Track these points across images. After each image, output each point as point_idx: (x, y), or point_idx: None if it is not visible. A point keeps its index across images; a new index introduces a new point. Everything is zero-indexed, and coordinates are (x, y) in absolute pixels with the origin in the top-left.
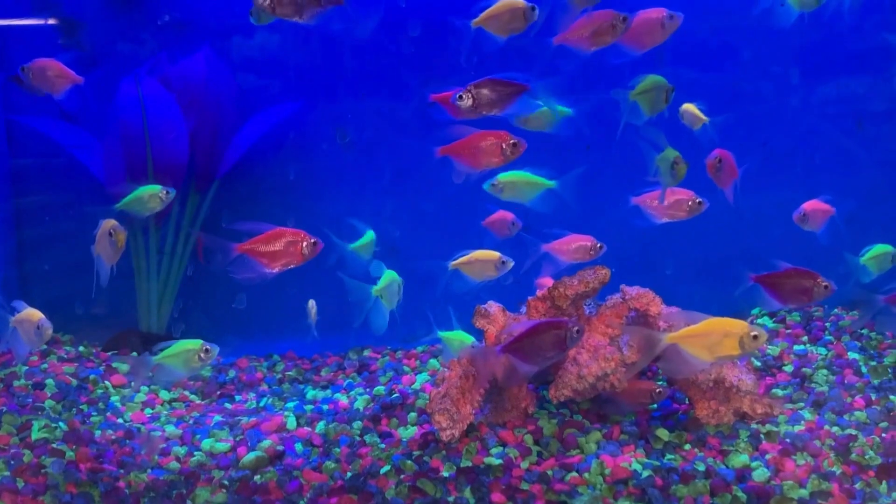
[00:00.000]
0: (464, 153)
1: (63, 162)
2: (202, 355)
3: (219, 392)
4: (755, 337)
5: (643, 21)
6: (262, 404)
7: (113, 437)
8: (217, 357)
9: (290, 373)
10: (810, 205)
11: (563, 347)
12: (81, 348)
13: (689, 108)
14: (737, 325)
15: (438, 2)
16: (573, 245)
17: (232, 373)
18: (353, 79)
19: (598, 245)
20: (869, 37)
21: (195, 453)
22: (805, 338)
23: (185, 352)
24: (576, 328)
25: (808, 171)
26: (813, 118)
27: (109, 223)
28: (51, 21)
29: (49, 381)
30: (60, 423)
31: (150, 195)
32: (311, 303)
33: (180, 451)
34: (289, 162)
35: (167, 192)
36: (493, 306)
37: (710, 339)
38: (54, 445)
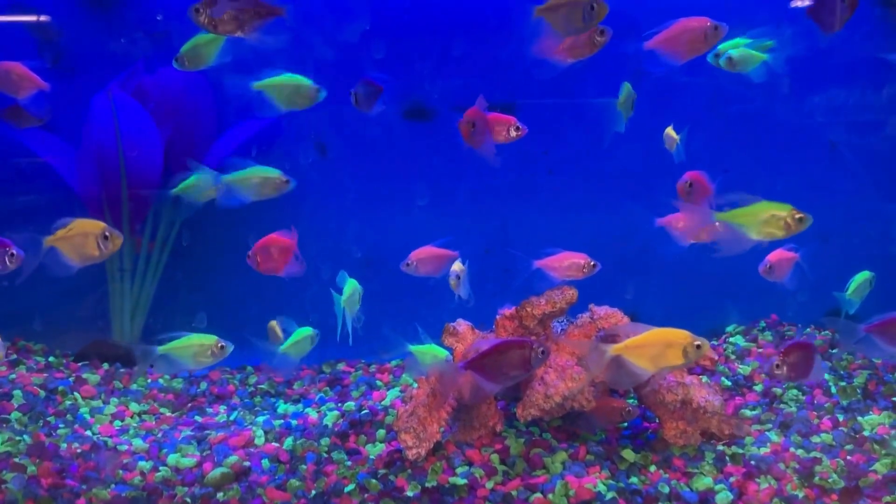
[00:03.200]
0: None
1: (37, 167)
2: (215, 350)
3: (190, 405)
4: (698, 346)
5: (684, 30)
6: (232, 418)
7: (78, 451)
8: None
9: (262, 386)
10: (775, 256)
11: (527, 367)
12: (52, 358)
13: (668, 132)
14: (680, 336)
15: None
16: (566, 262)
17: (204, 385)
18: (332, 90)
19: (592, 263)
20: (848, 54)
21: (160, 468)
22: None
23: (196, 345)
24: (540, 348)
25: (779, 190)
26: (785, 136)
27: (99, 225)
28: (25, 18)
29: (17, 392)
30: (25, 437)
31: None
32: (273, 323)
33: (145, 465)
34: None
35: (219, 181)
36: (462, 324)
37: (653, 350)
38: (17, 460)
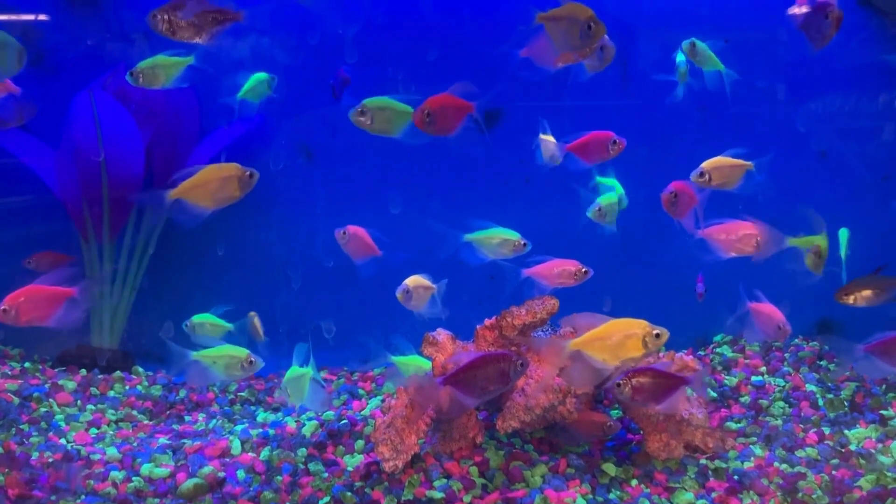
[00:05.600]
0: (584, 149)
1: (15, 169)
2: (245, 365)
3: (168, 412)
4: (657, 336)
5: (734, 229)
6: (210, 426)
7: (50, 460)
8: (169, 376)
9: (242, 393)
10: (757, 307)
11: (506, 381)
12: (28, 364)
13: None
14: (638, 326)
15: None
16: (556, 269)
17: (183, 392)
18: (317, 90)
19: (584, 269)
20: (838, 62)
21: (133, 478)
22: (763, 368)
23: (228, 357)
24: (519, 361)
25: (765, 200)
26: (773, 145)
27: (233, 166)
28: (4, 17)
29: None
30: None
31: (261, 81)
32: (252, 314)
33: (118, 475)
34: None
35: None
36: (442, 334)
37: (612, 341)
38: None
